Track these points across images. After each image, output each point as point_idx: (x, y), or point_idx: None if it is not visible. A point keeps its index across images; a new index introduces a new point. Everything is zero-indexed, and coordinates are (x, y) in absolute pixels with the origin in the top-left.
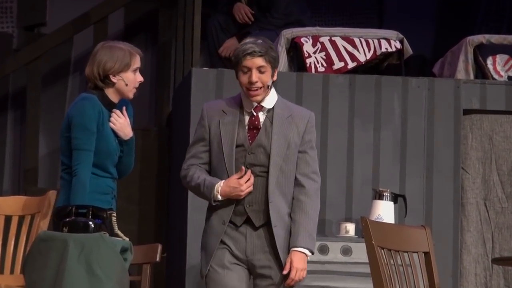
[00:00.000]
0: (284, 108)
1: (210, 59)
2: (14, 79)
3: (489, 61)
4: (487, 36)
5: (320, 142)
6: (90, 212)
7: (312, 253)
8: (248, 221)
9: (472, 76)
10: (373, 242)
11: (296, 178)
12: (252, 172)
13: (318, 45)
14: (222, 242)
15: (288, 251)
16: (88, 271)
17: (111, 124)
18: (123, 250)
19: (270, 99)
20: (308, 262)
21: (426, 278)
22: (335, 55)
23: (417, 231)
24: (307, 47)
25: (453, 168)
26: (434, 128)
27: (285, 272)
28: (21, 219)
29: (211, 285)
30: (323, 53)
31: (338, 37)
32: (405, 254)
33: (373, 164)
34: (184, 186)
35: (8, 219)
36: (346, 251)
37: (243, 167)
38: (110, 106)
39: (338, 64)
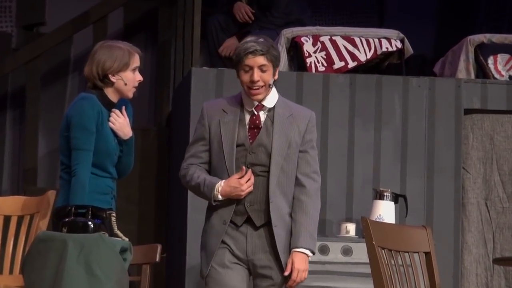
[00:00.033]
0: (285, 108)
1: (210, 59)
2: (13, 79)
3: (490, 60)
4: (488, 35)
5: (320, 142)
6: (90, 212)
7: (313, 254)
8: (248, 221)
9: (473, 76)
10: (374, 242)
11: (296, 178)
12: (253, 172)
13: (319, 44)
14: (223, 241)
15: (289, 251)
16: (87, 271)
17: (110, 123)
18: (123, 250)
19: (271, 98)
20: (309, 262)
21: (426, 279)
22: (335, 54)
23: (417, 231)
24: (307, 46)
25: (454, 168)
26: (435, 127)
27: (286, 273)
28: (20, 219)
29: (211, 284)
30: (323, 53)
31: (339, 37)
32: (406, 254)
33: (373, 164)
34: (183, 186)
35: (7, 219)
36: (347, 251)
37: (244, 167)
38: (110, 105)
39: (338, 64)
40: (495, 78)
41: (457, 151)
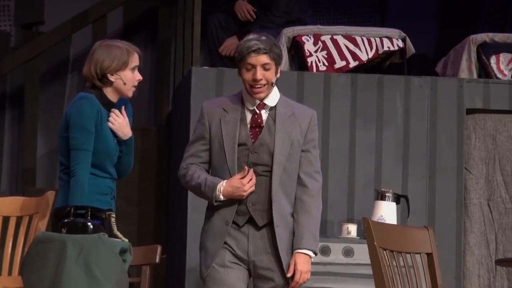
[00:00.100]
0: (287, 106)
1: (210, 58)
2: (11, 78)
3: (493, 60)
4: (490, 34)
5: (321, 142)
6: (89, 213)
7: (316, 254)
8: (250, 221)
9: (475, 75)
10: (375, 243)
11: (299, 177)
12: (255, 172)
13: (320, 43)
14: (224, 242)
15: (291, 252)
16: (86, 273)
17: (109, 123)
18: (122, 251)
19: (273, 97)
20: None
21: (428, 280)
22: (336, 54)
23: (419, 232)
24: (308, 45)
25: (456, 168)
26: (437, 127)
27: (289, 274)
28: (19, 220)
29: (209, 284)
30: (324, 52)
31: (340, 36)
32: (408, 255)
33: (375, 164)
34: (183, 186)
35: (6, 220)
36: (348, 252)
37: (246, 167)
38: (109, 105)
39: (339, 63)
40: (497, 77)
41: (459, 151)
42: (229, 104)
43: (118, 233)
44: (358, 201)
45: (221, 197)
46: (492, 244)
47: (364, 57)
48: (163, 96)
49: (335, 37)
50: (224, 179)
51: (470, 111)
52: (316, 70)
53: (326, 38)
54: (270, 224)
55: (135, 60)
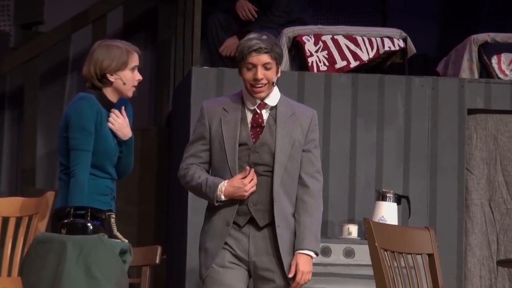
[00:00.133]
0: (287, 106)
1: (210, 58)
2: (11, 78)
3: (494, 60)
4: (492, 34)
5: (322, 142)
6: (89, 214)
7: (317, 255)
8: (251, 222)
9: (476, 75)
10: (376, 244)
11: (300, 177)
12: (256, 172)
13: (320, 43)
14: (224, 242)
15: (293, 253)
16: (86, 273)
17: (109, 124)
18: (122, 252)
19: (274, 96)
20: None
21: (430, 281)
22: (337, 54)
23: (420, 233)
24: (309, 45)
25: (457, 169)
26: (438, 128)
27: (290, 275)
28: (19, 220)
29: (208, 284)
30: (325, 52)
31: (341, 36)
32: (409, 256)
33: (376, 165)
34: (183, 187)
35: (5, 221)
36: (349, 253)
37: (248, 167)
38: (109, 105)
39: (340, 63)
40: (499, 77)
41: (461, 151)
42: (229, 103)
43: (118, 234)
44: (359, 201)
45: (222, 197)
46: (494, 245)
47: (365, 57)
48: (163, 96)
49: (335, 37)
50: (225, 179)
51: (471, 111)
52: (317, 70)
53: (327, 38)
54: (271, 225)
55: (134, 60)
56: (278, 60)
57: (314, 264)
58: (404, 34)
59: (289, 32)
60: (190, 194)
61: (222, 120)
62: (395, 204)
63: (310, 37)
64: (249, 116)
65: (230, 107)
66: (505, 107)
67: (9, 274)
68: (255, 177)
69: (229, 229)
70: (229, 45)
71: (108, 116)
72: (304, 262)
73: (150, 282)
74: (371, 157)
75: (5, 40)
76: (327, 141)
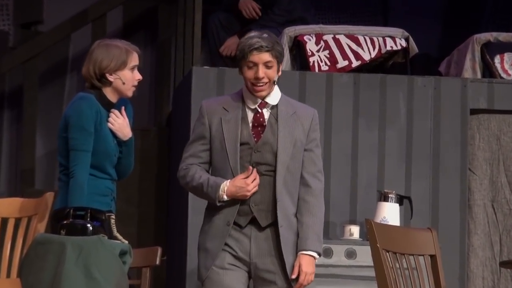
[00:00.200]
0: (288, 105)
1: (210, 58)
2: (10, 78)
3: (497, 59)
4: (494, 34)
5: (323, 142)
6: (89, 214)
7: (320, 256)
8: (252, 222)
9: (479, 75)
10: (378, 245)
11: (302, 177)
12: (258, 171)
13: (322, 43)
14: (225, 243)
15: (295, 253)
16: (86, 275)
17: (109, 124)
18: (122, 253)
19: (275, 95)
20: None
21: (432, 282)
22: (339, 53)
23: (423, 234)
24: (310, 45)
25: (460, 169)
26: (440, 128)
27: (293, 276)
28: (18, 221)
29: (208, 285)
30: (326, 52)
31: (342, 35)
32: (411, 257)
33: (378, 165)
34: (183, 187)
35: (4, 221)
36: (351, 254)
37: (250, 167)
38: (109, 105)
39: (342, 63)
40: (501, 77)
41: (463, 151)
42: (229, 102)
43: (118, 235)
44: (360, 202)
45: (225, 197)
46: (497, 246)
47: (366, 57)
48: (163, 96)
49: (337, 36)
50: (226, 179)
51: (474, 111)
52: (318, 70)
53: (328, 38)
54: (273, 225)
55: (134, 60)
56: (279, 58)
57: (315, 266)
58: (406, 34)
59: (290, 31)
60: (190, 195)
61: (222, 119)
62: (397, 205)
63: (312, 37)
64: (250, 115)
65: (230, 106)
66: (508, 107)
67: (8, 275)
68: (257, 177)
69: (229, 229)
70: (230, 45)
71: (108, 116)
72: (307, 263)
73: (150, 283)
74: (373, 157)
75: (4, 39)
76: (329, 141)
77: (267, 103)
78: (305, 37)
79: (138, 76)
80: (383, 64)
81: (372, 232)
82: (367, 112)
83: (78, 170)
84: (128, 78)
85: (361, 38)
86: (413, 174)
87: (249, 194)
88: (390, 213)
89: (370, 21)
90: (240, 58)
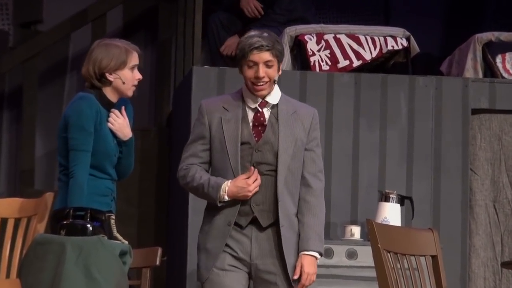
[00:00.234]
0: (288, 105)
1: (211, 57)
2: (10, 78)
3: (498, 59)
4: (496, 33)
5: (324, 143)
6: (88, 215)
7: (321, 256)
8: (253, 222)
9: (480, 75)
10: (379, 245)
11: (303, 177)
12: (259, 171)
13: (323, 42)
14: (226, 244)
15: (297, 254)
16: (86, 275)
17: (109, 124)
18: (122, 254)
19: (275, 95)
20: None
21: (433, 282)
22: (340, 53)
23: (424, 234)
24: (311, 45)
25: (461, 169)
26: (441, 128)
27: (296, 277)
28: (17, 221)
29: (208, 287)
30: (327, 51)
31: (343, 35)
32: (412, 258)
33: (379, 165)
34: (183, 187)
35: (4, 222)
36: (352, 255)
37: (252, 167)
38: (109, 105)
39: (343, 62)
40: (503, 77)
41: (465, 152)
42: (229, 102)
43: (118, 235)
44: (361, 202)
45: (226, 198)
46: (498, 246)
47: (367, 56)
48: (163, 96)
49: (338, 36)
50: (227, 179)
51: (475, 111)
52: (319, 70)
53: (329, 37)
54: (274, 225)
55: (134, 59)
56: (279, 57)
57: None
58: (408, 33)
59: (291, 31)
60: (190, 195)
61: (222, 118)
62: (398, 205)
63: (312, 36)
64: (250, 114)
65: (230, 106)
66: (509, 107)
67: (8, 276)
68: (259, 178)
69: (230, 230)
70: (230, 44)
71: (108, 116)
72: (309, 263)
73: (150, 283)
74: (374, 157)
75: (4, 39)
76: (330, 141)
77: (267, 102)
78: (306, 37)
79: (138, 75)
80: (384, 63)
81: (373, 233)
82: (368, 112)
83: (78, 170)
84: (128, 78)
85: (362, 38)
86: (414, 174)
87: (250, 194)
88: (391, 213)
89: (371, 20)
90: (240, 57)
